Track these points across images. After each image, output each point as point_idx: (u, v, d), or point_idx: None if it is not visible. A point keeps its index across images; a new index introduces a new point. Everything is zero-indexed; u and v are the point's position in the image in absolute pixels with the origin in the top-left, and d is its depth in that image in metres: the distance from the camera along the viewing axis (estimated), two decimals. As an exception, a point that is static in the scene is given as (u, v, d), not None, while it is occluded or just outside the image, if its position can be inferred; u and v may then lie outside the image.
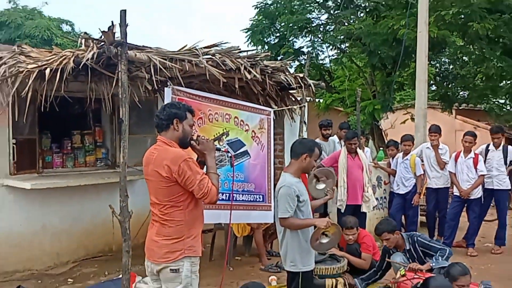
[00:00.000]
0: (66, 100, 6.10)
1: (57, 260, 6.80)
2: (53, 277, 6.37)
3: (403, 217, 8.20)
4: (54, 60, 5.03)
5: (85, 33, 5.28)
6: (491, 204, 8.10)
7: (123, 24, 4.49)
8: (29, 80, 5.07)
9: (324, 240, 4.14)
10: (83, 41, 5.37)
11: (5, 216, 6.30)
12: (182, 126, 3.52)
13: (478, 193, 7.69)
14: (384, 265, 5.83)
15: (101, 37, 4.72)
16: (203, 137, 3.81)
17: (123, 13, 4.49)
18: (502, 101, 16.59)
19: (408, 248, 5.61)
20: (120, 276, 4.69)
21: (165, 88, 5.10)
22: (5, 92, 5.57)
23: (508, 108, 16.19)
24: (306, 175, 4.82)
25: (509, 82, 15.54)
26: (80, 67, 4.95)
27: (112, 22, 4.51)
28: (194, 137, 3.74)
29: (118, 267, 5.36)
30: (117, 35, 4.60)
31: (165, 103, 4.28)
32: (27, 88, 5.13)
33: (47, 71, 4.96)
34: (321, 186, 4.67)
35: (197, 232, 3.56)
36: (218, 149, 3.92)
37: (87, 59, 4.81)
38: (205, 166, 3.63)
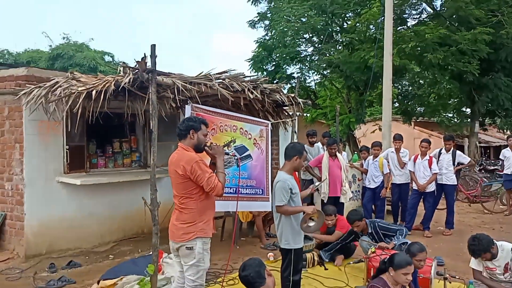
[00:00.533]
0: (108, 115, 6.11)
1: (101, 240, 6.79)
2: (97, 254, 6.37)
3: (373, 206, 8.18)
4: (98, 84, 5.05)
5: (123, 62, 5.28)
6: (442, 196, 8.08)
7: (153, 55, 4.49)
8: (79, 99, 5.09)
9: (311, 224, 4.12)
10: (121, 68, 5.40)
11: (60, 205, 6.30)
12: (197, 136, 3.55)
13: (432, 187, 7.69)
14: (347, 241, 5.94)
15: (135, 65, 4.74)
16: (215, 144, 3.82)
17: (153, 46, 4.51)
18: (451, 115, 16.62)
19: (370, 231, 5.68)
20: (151, 253, 4.69)
21: (186, 105, 5.12)
22: (60, 108, 5.60)
23: (455, 120, 16.18)
24: (296, 173, 4.81)
25: (456, 100, 15.60)
26: (119, 89, 4.96)
27: (144, 54, 4.52)
28: (208, 144, 3.75)
29: (149, 246, 5.34)
30: (148, 64, 4.63)
31: (185, 117, 4.29)
32: (77, 106, 5.16)
33: (93, 92, 4.98)
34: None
35: (208, 218, 3.56)
36: (227, 153, 3.92)
37: (125, 83, 4.83)
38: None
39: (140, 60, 4.61)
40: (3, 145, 6.35)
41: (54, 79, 5.62)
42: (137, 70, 4.70)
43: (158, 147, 4.54)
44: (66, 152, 6.43)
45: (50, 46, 26.09)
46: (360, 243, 5.83)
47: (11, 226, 6.27)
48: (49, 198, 6.19)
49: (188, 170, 3.35)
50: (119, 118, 6.85)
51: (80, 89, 5.09)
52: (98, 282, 4.69)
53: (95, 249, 6.56)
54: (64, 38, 26.61)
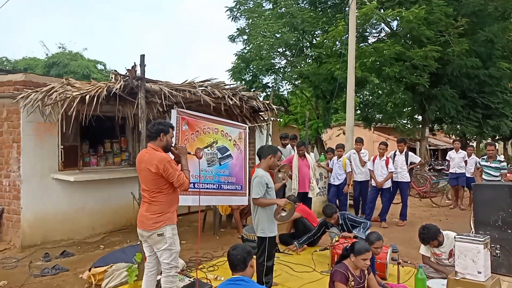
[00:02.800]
0: (100, 118, 5.99)
1: (92, 232, 6.66)
2: (89, 244, 6.24)
3: (337, 201, 8.29)
4: (92, 89, 4.97)
5: (115, 70, 5.20)
6: (397, 192, 8.26)
7: (142, 64, 4.46)
8: (74, 103, 4.99)
9: (283, 214, 4.18)
10: (113, 76, 5.30)
11: (55, 200, 6.16)
12: (166, 138, 3.61)
13: (388, 184, 7.84)
14: (319, 233, 5.97)
15: (126, 73, 4.68)
16: (179, 145, 3.85)
17: (142, 56, 4.47)
18: (405, 121, 17.01)
19: (340, 222, 5.74)
20: (138, 243, 4.63)
21: (172, 110, 5.07)
22: (56, 111, 5.49)
23: (409, 126, 16.57)
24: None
25: (409, 108, 15.98)
26: (111, 94, 4.91)
27: (134, 63, 4.48)
28: (173, 145, 3.77)
29: (137, 236, 5.24)
30: (138, 72, 4.57)
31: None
32: (72, 109, 5.05)
33: (87, 97, 4.89)
34: (280, 174, 4.79)
35: (174, 208, 3.64)
36: (189, 153, 3.90)
37: (116, 89, 4.77)
38: (181, 164, 3.69)
39: (130, 68, 4.55)
40: (2, 144, 6.16)
41: (50, 84, 5.49)
42: (127, 78, 4.65)
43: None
44: (61, 151, 6.29)
45: (47, 54, 25.48)
46: (329, 234, 5.89)
47: (8, 219, 6.08)
48: (44, 194, 6.04)
49: (161, 168, 3.39)
50: (110, 121, 6.72)
51: (74, 94, 5.00)
52: (89, 270, 4.59)
53: (86, 240, 6.43)
54: (59, 47, 26.06)
